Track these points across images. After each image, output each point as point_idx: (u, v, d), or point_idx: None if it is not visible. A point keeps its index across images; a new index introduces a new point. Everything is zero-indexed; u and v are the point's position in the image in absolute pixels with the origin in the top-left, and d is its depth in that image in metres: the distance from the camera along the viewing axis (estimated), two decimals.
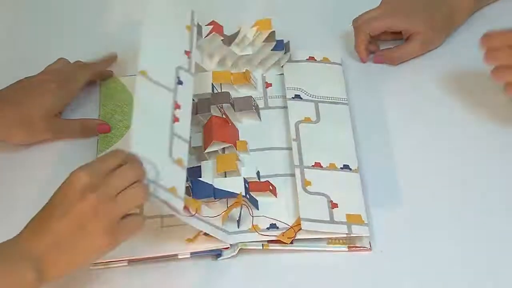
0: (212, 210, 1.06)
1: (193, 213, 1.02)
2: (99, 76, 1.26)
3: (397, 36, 1.27)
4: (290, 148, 1.15)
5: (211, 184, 1.08)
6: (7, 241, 0.95)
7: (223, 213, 1.05)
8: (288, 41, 1.25)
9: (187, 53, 1.13)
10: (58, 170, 1.17)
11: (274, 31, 1.22)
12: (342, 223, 1.06)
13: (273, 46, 1.23)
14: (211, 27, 1.21)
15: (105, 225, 0.94)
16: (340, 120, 1.18)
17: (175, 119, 1.04)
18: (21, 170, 1.19)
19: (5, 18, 1.40)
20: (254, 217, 1.07)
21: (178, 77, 1.09)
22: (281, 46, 1.23)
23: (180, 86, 1.08)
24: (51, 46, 1.33)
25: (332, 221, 1.06)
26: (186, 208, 1.01)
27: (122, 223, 0.95)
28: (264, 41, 1.22)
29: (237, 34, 1.22)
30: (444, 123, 1.19)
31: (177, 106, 1.06)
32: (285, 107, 1.20)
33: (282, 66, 1.25)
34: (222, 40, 1.21)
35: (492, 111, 1.19)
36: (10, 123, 1.16)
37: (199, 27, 1.20)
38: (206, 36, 1.21)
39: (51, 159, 1.19)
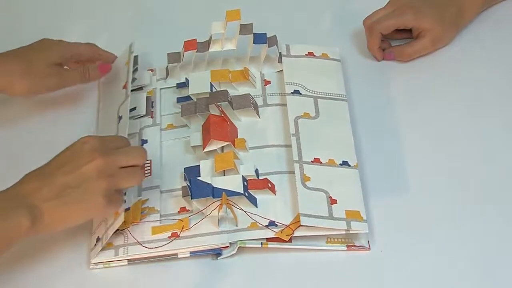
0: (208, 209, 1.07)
1: (179, 234, 1.07)
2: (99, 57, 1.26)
3: (407, 35, 1.27)
4: (289, 146, 1.14)
5: (209, 184, 1.08)
6: (5, 189, 1.00)
7: (204, 217, 1.07)
8: (275, 35, 1.24)
9: (125, 86, 1.22)
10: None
11: (251, 24, 1.22)
12: (341, 219, 1.06)
13: (252, 39, 1.22)
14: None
15: (104, 189, 1.00)
16: (339, 117, 1.18)
17: None
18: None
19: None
20: (252, 216, 1.07)
21: (118, 115, 1.20)
22: (263, 39, 1.22)
23: (120, 120, 1.19)
24: None
25: (331, 217, 1.06)
26: (173, 234, 1.07)
27: (117, 195, 1.03)
28: (240, 34, 1.21)
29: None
30: (446, 121, 1.19)
31: None
32: (284, 105, 1.20)
33: (279, 62, 1.24)
34: (196, 51, 1.22)
35: (491, 110, 1.19)
36: (12, 72, 1.18)
37: (135, 58, 1.27)
38: (181, 60, 1.23)
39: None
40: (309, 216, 1.05)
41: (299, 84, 1.21)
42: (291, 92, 1.20)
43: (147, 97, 1.24)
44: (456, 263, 1.04)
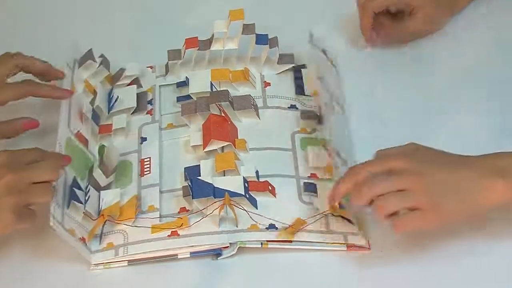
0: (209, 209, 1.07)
1: (179, 232, 1.06)
2: (34, 71, 1.21)
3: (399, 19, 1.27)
4: (289, 149, 1.15)
5: (211, 184, 1.07)
6: None
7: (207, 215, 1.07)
8: (276, 37, 1.23)
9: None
10: None
11: (253, 24, 1.22)
12: (338, 233, 1.07)
13: (255, 39, 1.22)
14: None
15: (13, 205, 1.00)
16: (337, 130, 1.17)
17: None
18: None
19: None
20: (254, 218, 1.07)
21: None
22: (265, 40, 1.23)
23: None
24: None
25: (328, 230, 1.07)
26: (173, 232, 1.07)
27: (29, 210, 1.02)
28: (242, 33, 1.22)
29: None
30: (443, 118, 1.19)
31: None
32: (284, 108, 1.20)
33: (279, 64, 1.24)
34: (198, 49, 1.22)
35: (492, 108, 1.19)
36: None
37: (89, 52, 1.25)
38: (182, 58, 1.23)
39: None
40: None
41: (296, 99, 1.21)
42: (288, 107, 1.20)
43: (142, 92, 1.23)
44: (456, 264, 1.04)
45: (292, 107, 1.20)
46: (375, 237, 1.06)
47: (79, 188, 1.10)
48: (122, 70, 1.25)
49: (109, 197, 1.10)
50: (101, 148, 1.16)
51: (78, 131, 1.17)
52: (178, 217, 1.08)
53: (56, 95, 1.19)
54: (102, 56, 1.26)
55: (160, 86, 1.25)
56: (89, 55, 1.24)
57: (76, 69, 1.24)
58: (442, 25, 1.27)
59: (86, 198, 1.10)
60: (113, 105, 1.22)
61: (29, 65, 1.19)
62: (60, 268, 1.07)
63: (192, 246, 1.06)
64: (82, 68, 1.24)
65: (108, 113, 1.22)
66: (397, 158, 1.00)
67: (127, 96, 1.22)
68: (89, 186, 1.11)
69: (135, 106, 1.21)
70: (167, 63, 1.25)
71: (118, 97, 1.22)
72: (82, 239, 1.06)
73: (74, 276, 1.06)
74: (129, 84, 1.24)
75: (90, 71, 1.24)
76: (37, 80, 1.21)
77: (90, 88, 1.23)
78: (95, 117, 1.20)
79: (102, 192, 1.11)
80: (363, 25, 1.25)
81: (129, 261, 1.07)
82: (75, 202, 1.08)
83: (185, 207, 1.10)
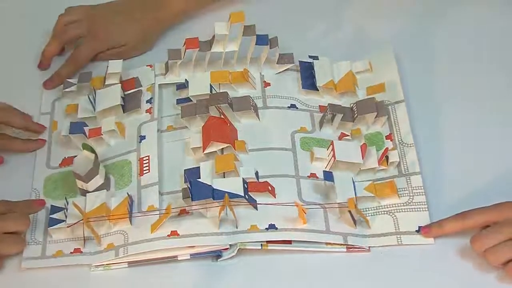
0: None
1: (177, 230, 1.07)
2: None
3: None
4: (289, 149, 1.15)
5: (210, 185, 1.08)
6: None
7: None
8: (276, 37, 1.23)
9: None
10: None
11: (254, 25, 1.22)
12: (338, 233, 1.07)
13: (255, 40, 1.22)
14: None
15: None
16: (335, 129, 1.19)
17: None
18: None
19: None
20: (252, 217, 1.07)
21: None
22: (265, 40, 1.22)
23: None
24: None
25: (328, 231, 1.07)
26: (173, 232, 1.07)
27: None
28: (243, 35, 1.21)
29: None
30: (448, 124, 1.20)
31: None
32: (284, 107, 1.20)
33: (278, 64, 1.24)
34: (198, 50, 1.22)
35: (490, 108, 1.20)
36: None
37: None
38: (182, 58, 1.23)
39: None
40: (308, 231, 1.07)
41: (295, 98, 1.22)
42: (288, 107, 1.20)
43: (137, 91, 1.23)
44: (456, 265, 1.04)
45: (292, 106, 1.21)
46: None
47: (60, 209, 1.11)
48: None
49: (92, 200, 1.10)
50: (84, 146, 1.14)
51: (64, 158, 1.18)
52: (165, 209, 1.08)
53: (32, 148, 1.20)
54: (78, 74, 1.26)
55: (159, 85, 1.25)
56: (66, 85, 1.25)
57: (56, 108, 1.25)
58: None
59: (66, 212, 1.10)
60: (93, 106, 1.22)
61: (9, 121, 1.19)
62: (60, 268, 1.07)
63: (192, 246, 1.06)
64: (63, 99, 1.25)
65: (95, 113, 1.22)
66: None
67: (108, 96, 1.22)
68: (66, 199, 1.11)
69: (120, 103, 1.21)
70: (167, 62, 1.25)
71: (90, 98, 1.22)
72: (76, 250, 1.08)
73: (75, 277, 1.07)
74: (128, 84, 1.24)
75: (72, 95, 1.25)
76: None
77: (72, 108, 1.23)
78: (76, 128, 1.19)
79: (87, 195, 1.11)
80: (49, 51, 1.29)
81: (129, 262, 1.07)
82: (51, 227, 1.09)
83: (185, 209, 1.10)
